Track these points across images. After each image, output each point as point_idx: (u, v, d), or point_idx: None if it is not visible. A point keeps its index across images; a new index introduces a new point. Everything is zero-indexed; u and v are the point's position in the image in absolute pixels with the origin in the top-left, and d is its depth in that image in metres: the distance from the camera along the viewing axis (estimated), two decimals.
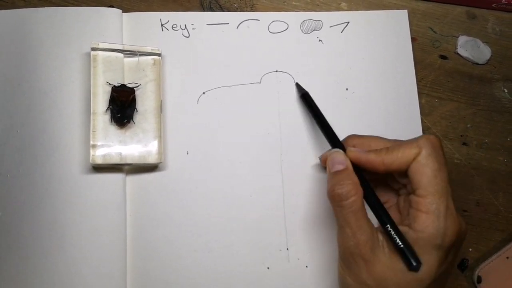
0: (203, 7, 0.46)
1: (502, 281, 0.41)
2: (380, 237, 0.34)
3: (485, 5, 0.48)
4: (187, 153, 0.42)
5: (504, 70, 0.47)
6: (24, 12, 0.43)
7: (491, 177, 0.45)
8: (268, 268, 0.41)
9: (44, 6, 0.44)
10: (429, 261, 0.33)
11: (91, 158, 0.39)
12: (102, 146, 0.40)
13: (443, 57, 0.47)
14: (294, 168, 0.43)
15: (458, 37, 0.48)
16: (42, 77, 0.41)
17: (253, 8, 0.47)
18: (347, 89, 0.45)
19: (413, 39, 0.47)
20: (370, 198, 0.35)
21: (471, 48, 0.47)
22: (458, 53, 0.47)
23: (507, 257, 0.42)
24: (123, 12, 0.44)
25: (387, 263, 0.33)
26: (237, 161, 0.43)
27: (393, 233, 0.34)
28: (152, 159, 0.40)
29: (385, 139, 0.38)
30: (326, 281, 0.41)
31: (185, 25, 0.45)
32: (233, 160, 0.43)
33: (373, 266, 0.33)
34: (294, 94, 0.44)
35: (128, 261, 0.40)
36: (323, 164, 0.40)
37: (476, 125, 0.46)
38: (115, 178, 0.40)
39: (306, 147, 0.43)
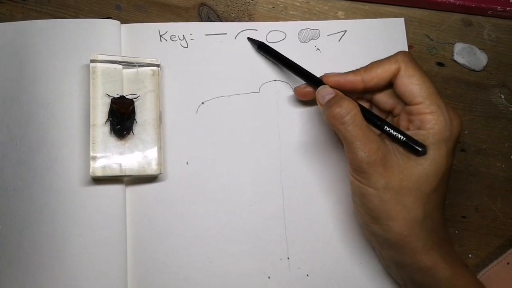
0: (201, 18, 0.46)
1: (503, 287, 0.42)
2: (389, 143, 0.36)
3: (480, 12, 0.49)
4: (187, 163, 0.42)
5: (500, 76, 0.48)
6: (22, 24, 0.43)
7: (489, 183, 0.45)
8: (269, 277, 0.41)
9: (42, 19, 0.44)
10: (441, 154, 0.35)
11: (91, 170, 0.39)
12: (102, 158, 0.40)
13: (440, 64, 0.48)
14: (294, 177, 0.43)
15: (454, 44, 0.48)
16: (41, 90, 0.42)
17: (251, 18, 0.47)
18: None
19: (410, 47, 0.47)
20: (363, 112, 0.37)
21: (467, 55, 0.48)
22: (454, 60, 0.48)
23: (508, 263, 0.42)
24: (121, 23, 0.44)
25: (402, 164, 0.35)
26: (236, 171, 0.43)
27: (392, 131, 0.36)
28: (152, 170, 0.40)
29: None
30: None
31: (183, 35, 0.45)
32: (233, 169, 0.43)
33: (391, 170, 0.35)
34: (293, 103, 0.45)
35: (128, 273, 0.40)
36: (298, 95, 0.43)
37: (474, 131, 0.46)
38: (115, 189, 0.40)
39: (306, 156, 0.43)
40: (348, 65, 0.43)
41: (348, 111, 0.35)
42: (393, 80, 0.38)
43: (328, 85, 0.39)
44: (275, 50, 0.44)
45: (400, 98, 0.38)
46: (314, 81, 0.40)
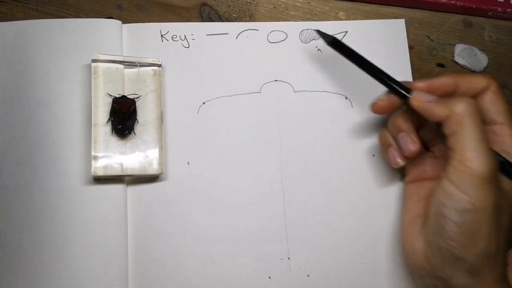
0: (203, 18, 0.46)
1: None
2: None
3: (481, 13, 0.49)
4: (188, 163, 0.42)
5: (500, 77, 0.48)
6: (23, 24, 0.43)
7: None
8: (269, 278, 0.41)
9: (43, 18, 0.44)
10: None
11: (92, 170, 0.39)
12: (103, 157, 0.40)
13: (440, 65, 0.48)
14: (295, 177, 0.43)
15: (455, 45, 0.48)
16: (42, 89, 0.41)
17: (252, 18, 0.47)
18: (346, 98, 0.45)
19: (410, 48, 0.47)
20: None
21: (468, 56, 0.48)
22: (455, 61, 0.48)
23: (506, 264, 0.42)
24: (122, 23, 0.44)
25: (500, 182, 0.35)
26: (237, 171, 0.43)
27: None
28: (153, 170, 0.40)
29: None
30: None
31: (184, 35, 0.45)
32: (234, 170, 0.43)
33: (498, 188, 0.34)
34: (293, 103, 0.45)
35: (129, 272, 0.39)
36: (375, 110, 0.40)
37: None
38: (116, 189, 0.40)
39: (306, 156, 0.44)
40: (349, 65, 0.43)
41: (471, 112, 0.34)
42: (479, 94, 0.38)
43: (419, 86, 0.37)
44: (351, 49, 0.40)
45: (482, 113, 0.37)
46: (402, 88, 0.38)
